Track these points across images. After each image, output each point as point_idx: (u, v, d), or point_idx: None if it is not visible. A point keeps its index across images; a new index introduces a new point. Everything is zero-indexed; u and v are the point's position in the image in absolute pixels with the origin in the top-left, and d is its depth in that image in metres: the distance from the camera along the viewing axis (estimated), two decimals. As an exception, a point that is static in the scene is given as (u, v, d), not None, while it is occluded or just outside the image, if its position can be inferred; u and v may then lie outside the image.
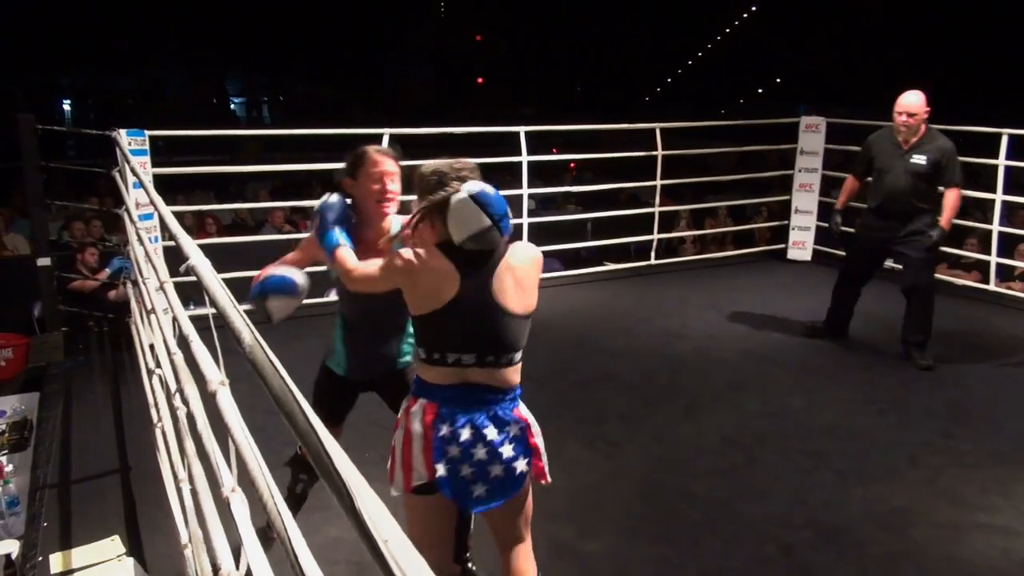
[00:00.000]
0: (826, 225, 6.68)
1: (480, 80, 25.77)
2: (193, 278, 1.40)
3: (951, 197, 4.27)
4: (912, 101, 4.18)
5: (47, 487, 3.03)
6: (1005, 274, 5.99)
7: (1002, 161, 5.47)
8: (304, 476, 2.63)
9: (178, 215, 2.20)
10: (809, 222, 6.76)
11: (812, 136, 6.60)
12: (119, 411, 3.78)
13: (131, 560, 2.54)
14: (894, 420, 3.76)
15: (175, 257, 1.76)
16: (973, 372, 4.37)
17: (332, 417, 2.47)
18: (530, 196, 5.98)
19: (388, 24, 23.51)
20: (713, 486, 3.12)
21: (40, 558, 2.56)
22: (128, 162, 3.74)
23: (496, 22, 24.72)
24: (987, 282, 5.73)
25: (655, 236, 6.49)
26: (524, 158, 5.65)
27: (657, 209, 6.47)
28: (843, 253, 6.61)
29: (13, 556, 2.45)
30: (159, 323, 2.42)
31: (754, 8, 22.08)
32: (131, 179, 3.93)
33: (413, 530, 1.95)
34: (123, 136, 4.34)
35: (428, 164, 1.94)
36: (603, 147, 9.40)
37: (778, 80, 22.65)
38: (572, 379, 4.18)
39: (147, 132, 4.53)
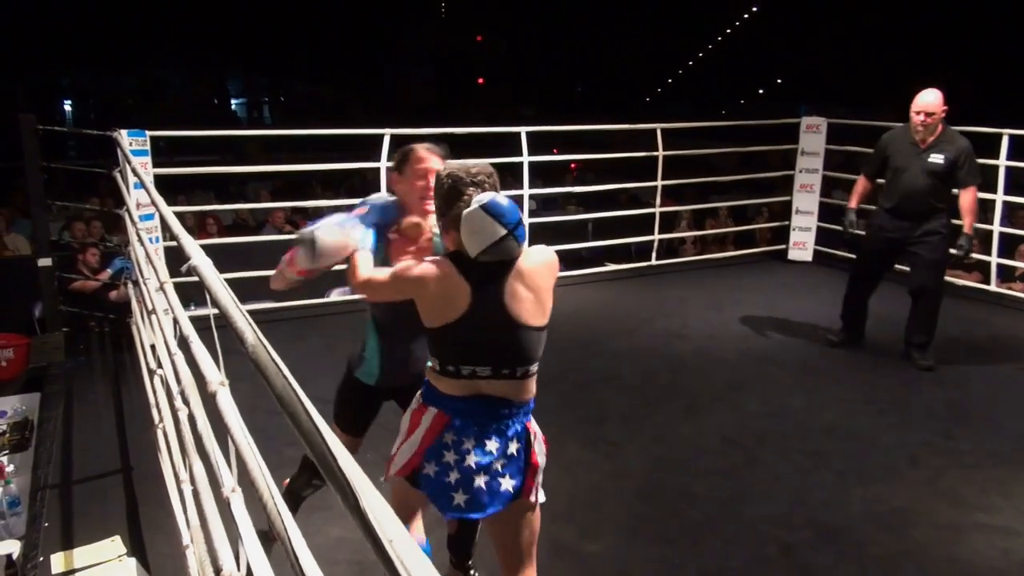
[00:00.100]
0: (827, 226, 6.73)
1: (480, 80, 25.78)
2: (193, 278, 1.40)
3: (968, 199, 4.19)
4: (929, 100, 4.12)
5: (48, 487, 3.03)
6: (1006, 275, 5.99)
7: (1003, 162, 5.47)
8: (318, 482, 2.57)
9: (179, 215, 2.20)
10: (810, 223, 6.75)
11: (813, 137, 6.60)
12: (120, 411, 3.78)
13: (132, 560, 2.54)
14: (894, 420, 3.76)
15: (176, 257, 1.76)
16: (974, 373, 4.37)
17: (355, 429, 2.44)
18: (531, 197, 5.99)
19: (388, 24, 23.52)
20: (713, 486, 3.12)
21: (41, 558, 2.56)
22: (129, 162, 3.74)
23: (496, 22, 24.72)
24: (988, 283, 5.73)
25: (656, 236, 6.49)
26: (525, 158, 5.65)
27: (658, 210, 6.47)
28: (843, 254, 6.65)
29: (14, 556, 2.45)
30: (160, 323, 2.42)
31: (755, 8, 22.08)
32: (132, 179, 3.93)
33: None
34: (124, 136, 4.34)
35: (445, 167, 1.92)
36: (604, 147, 9.40)
37: (779, 80, 22.66)
38: (573, 379, 4.18)
39: (148, 132, 4.53)
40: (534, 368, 1.88)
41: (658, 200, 6.47)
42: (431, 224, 2.20)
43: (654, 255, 6.54)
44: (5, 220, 7.43)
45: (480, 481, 1.81)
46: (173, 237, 1.77)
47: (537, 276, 1.84)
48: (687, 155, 6.88)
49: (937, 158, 4.15)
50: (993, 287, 5.67)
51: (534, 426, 1.92)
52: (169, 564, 2.51)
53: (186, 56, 20.70)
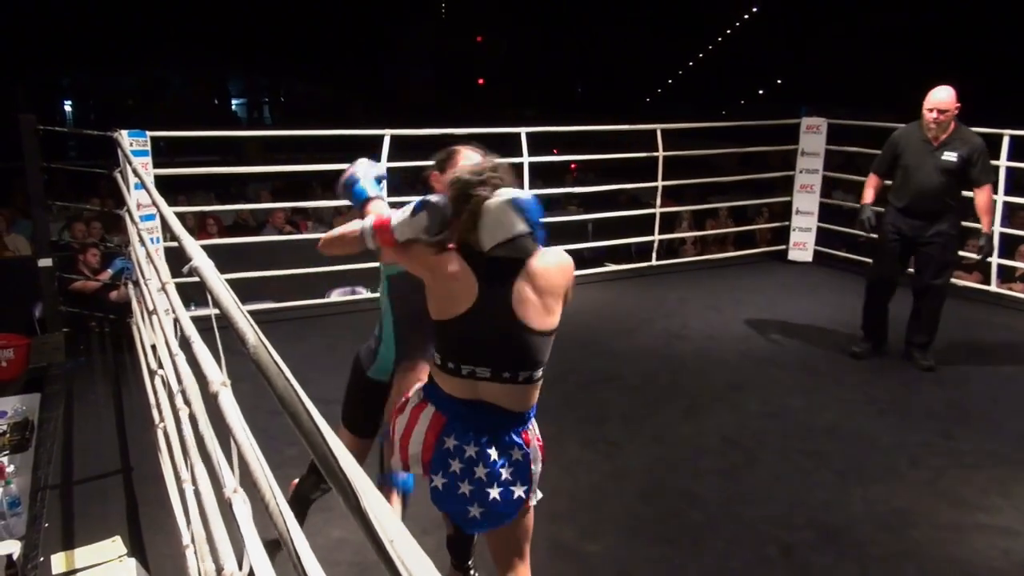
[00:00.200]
0: (828, 226, 6.74)
1: (481, 81, 25.77)
2: (194, 279, 1.40)
3: (984, 198, 4.15)
4: (942, 97, 4.06)
5: (48, 488, 3.03)
6: (1006, 275, 5.99)
7: (1003, 162, 5.47)
8: (325, 485, 2.57)
9: (179, 216, 2.19)
10: (810, 223, 6.76)
11: (813, 137, 6.60)
12: (121, 412, 3.78)
13: (133, 561, 2.54)
14: (895, 420, 3.76)
15: (176, 258, 1.76)
16: (974, 373, 4.37)
17: (365, 430, 2.41)
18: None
19: (388, 24, 23.52)
20: (714, 486, 3.12)
21: (41, 559, 2.56)
22: (130, 163, 3.74)
23: (497, 23, 24.72)
24: (988, 283, 5.73)
25: (656, 237, 6.50)
26: (525, 159, 5.65)
27: (658, 210, 6.47)
28: (843, 254, 6.66)
29: (14, 557, 2.45)
30: (161, 324, 2.42)
31: (755, 9, 22.08)
32: (132, 180, 3.93)
33: None
34: (124, 137, 4.34)
35: (464, 165, 1.87)
36: (604, 148, 9.40)
37: (779, 81, 22.66)
38: (573, 380, 4.18)
39: (148, 133, 4.54)
40: (537, 374, 1.82)
41: (658, 200, 6.47)
42: None
43: (654, 255, 6.54)
44: (5, 220, 7.43)
45: (495, 493, 1.78)
46: (174, 237, 1.76)
47: (548, 279, 1.78)
48: (687, 155, 6.88)
49: (950, 156, 4.09)
50: (993, 287, 5.67)
51: (532, 434, 1.88)
52: (169, 564, 2.51)
53: (186, 56, 20.69)
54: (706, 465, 3.30)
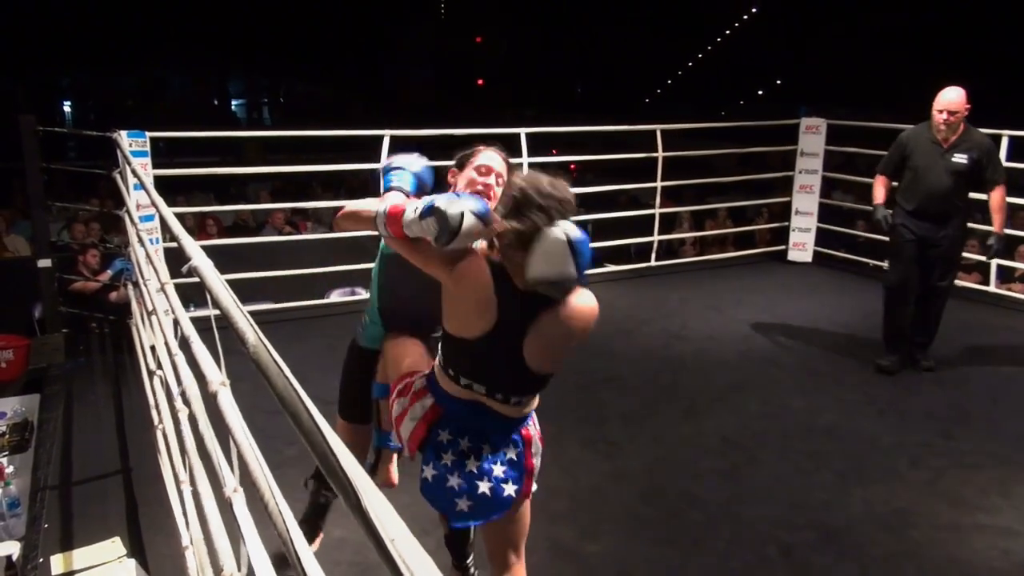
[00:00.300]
0: (827, 227, 6.74)
1: (480, 81, 25.77)
2: (193, 279, 1.40)
3: (997, 198, 4.11)
4: (952, 98, 4.01)
5: (48, 488, 3.03)
6: (1005, 276, 6.00)
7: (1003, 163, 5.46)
8: (328, 492, 2.52)
9: (179, 216, 2.19)
10: (809, 223, 6.76)
11: (812, 137, 6.60)
12: (120, 412, 3.78)
13: (132, 561, 2.54)
14: (894, 421, 3.76)
15: (175, 258, 1.76)
16: (973, 373, 4.37)
17: (362, 414, 2.36)
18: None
19: (388, 24, 23.51)
20: (714, 487, 3.12)
21: (41, 559, 2.56)
22: (129, 163, 3.74)
23: (496, 23, 24.72)
24: (987, 283, 5.73)
25: (655, 238, 6.50)
26: (524, 159, 5.64)
27: (658, 211, 6.47)
28: (842, 255, 6.66)
29: (14, 558, 2.45)
30: (160, 324, 2.42)
31: (754, 9, 22.09)
32: (132, 180, 3.93)
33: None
34: (124, 137, 4.34)
35: (526, 176, 1.74)
36: (604, 148, 9.40)
37: (778, 81, 22.67)
38: (573, 380, 4.18)
39: (148, 133, 4.53)
40: (532, 400, 1.84)
41: (657, 201, 6.47)
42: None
43: (653, 256, 6.54)
44: (5, 221, 7.43)
45: (484, 487, 1.78)
46: (173, 238, 1.76)
47: (569, 324, 1.72)
48: (687, 156, 6.88)
49: (961, 158, 4.04)
50: (992, 288, 5.67)
51: (532, 431, 1.89)
52: (169, 565, 2.51)
53: (186, 56, 20.69)
54: (706, 465, 3.30)
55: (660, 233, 6.55)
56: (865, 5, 18.79)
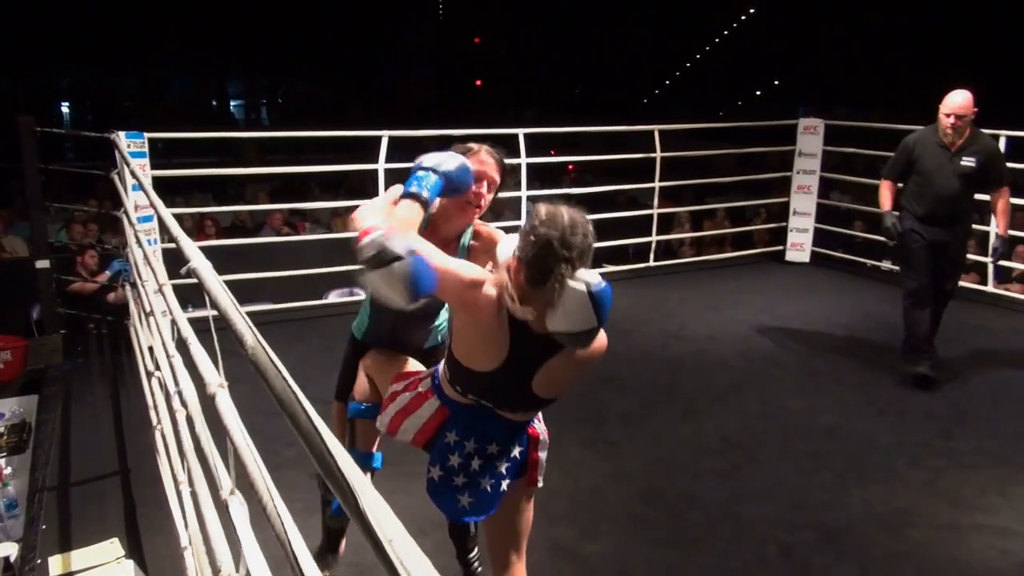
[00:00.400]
0: (825, 227, 6.74)
1: (479, 82, 25.78)
2: (192, 280, 1.40)
3: (1003, 201, 4.10)
4: (959, 102, 3.98)
5: (46, 489, 3.03)
6: (1003, 276, 6.00)
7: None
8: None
9: (177, 217, 2.18)
10: (807, 224, 6.76)
11: (810, 138, 6.60)
12: (118, 413, 3.77)
13: (130, 562, 2.54)
14: (894, 421, 3.76)
15: (174, 260, 1.75)
16: (972, 374, 4.37)
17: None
18: (528, 199, 5.98)
19: (388, 24, 23.51)
20: (713, 487, 3.12)
21: (39, 560, 2.55)
22: (127, 164, 3.74)
23: (496, 23, 24.73)
24: (985, 284, 5.73)
25: (654, 238, 6.49)
26: (523, 160, 5.64)
27: (656, 211, 6.47)
28: (840, 255, 6.67)
29: (12, 559, 2.45)
30: (158, 325, 2.42)
31: (753, 10, 22.10)
32: (130, 181, 3.93)
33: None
34: (122, 138, 4.34)
35: (546, 212, 1.65)
36: (602, 149, 9.41)
37: (776, 82, 22.68)
38: (572, 380, 4.17)
39: (146, 134, 4.53)
40: (537, 414, 1.90)
41: (656, 201, 6.47)
42: (463, 232, 2.11)
43: (652, 256, 6.54)
44: (3, 222, 7.42)
45: (486, 483, 1.81)
46: (172, 239, 1.76)
47: (578, 363, 1.72)
48: (685, 156, 6.88)
49: (969, 161, 4.02)
50: (990, 288, 5.68)
51: (539, 428, 1.92)
52: (167, 566, 2.50)
53: (185, 57, 20.67)
54: (706, 466, 3.30)
55: (658, 233, 6.55)
56: (865, 5, 18.79)
